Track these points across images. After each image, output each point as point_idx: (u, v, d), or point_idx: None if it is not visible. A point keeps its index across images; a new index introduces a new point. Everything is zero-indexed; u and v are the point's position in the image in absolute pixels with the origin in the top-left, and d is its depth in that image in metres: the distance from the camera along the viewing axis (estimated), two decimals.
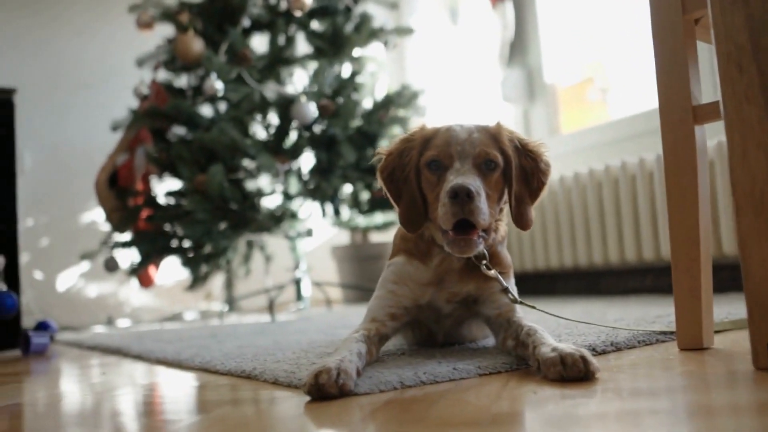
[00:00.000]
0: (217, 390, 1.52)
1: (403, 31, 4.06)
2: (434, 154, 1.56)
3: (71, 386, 1.81)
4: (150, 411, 1.38)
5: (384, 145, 3.63)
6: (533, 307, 1.65)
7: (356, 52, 3.95)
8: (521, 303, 1.59)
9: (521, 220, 1.59)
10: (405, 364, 1.47)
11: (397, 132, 3.83)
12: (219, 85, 3.47)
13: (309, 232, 3.95)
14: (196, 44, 3.54)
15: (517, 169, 1.59)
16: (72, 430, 1.20)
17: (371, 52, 4.06)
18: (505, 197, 1.61)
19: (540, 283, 4.10)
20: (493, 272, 1.58)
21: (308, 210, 3.97)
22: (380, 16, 4.35)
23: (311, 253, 4.92)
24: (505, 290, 1.59)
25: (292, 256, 3.92)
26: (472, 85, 5.08)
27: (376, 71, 4.11)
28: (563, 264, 3.82)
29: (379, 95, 4.04)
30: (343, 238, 5.20)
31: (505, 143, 1.59)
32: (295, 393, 1.34)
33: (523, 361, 1.44)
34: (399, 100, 3.80)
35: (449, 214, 1.47)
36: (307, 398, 1.24)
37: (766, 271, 1.19)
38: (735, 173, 1.24)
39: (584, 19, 4.29)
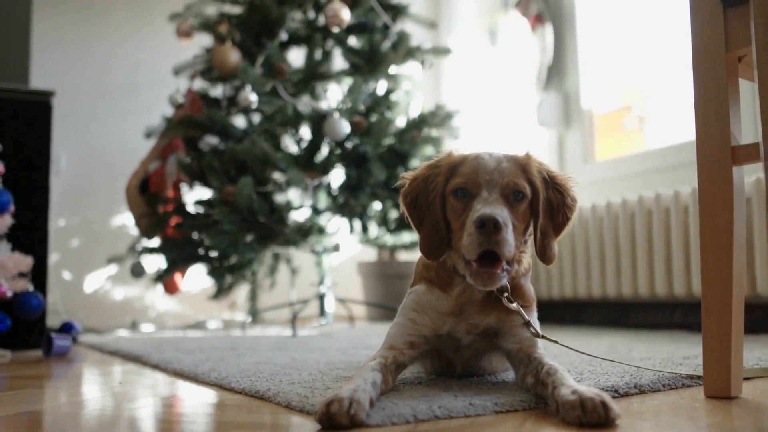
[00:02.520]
0: (227, 410, 1.50)
1: (441, 51, 4.05)
2: (461, 182, 1.53)
3: (86, 395, 1.80)
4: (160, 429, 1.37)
5: (414, 166, 3.61)
6: (555, 342, 1.61)
7: (392, 69, 3.94)
8: (543, 337, 1.55)
9: (544, 254, 1.56)
10: (420, 396, 1.43)
11: (429, 152, 3.81)
12: (253, 97, 3.48)
13: (336, 248, 3.93)
14: (233, 55, 3.56)
15: (543, 202, 1.56)
16: None
17: (407, 70, 4.05)
18: (530, 230, 1.57)
19: (566, 312, 4.03)
20: (514, 305, 1.54)
21: (336, 225, 3.96)
22: (418, 35, 4.34)
23: (337, 269, 4.90)
24: (527, 324, 1.55)
25: (317, 271, 3.91)
26: (508, 108, 5.05)
27: (411, 90, 4.09)
28: (591, 294, 3.75)
29: (414, 114, 4.02)
30: (370, 254, 5.18)
31: (534, 174, 1.56)
32: (306, 419, 1.32)
33: (542, 399, 1.39)
34: (432, 120, 3.78)
35: (475, 244, 1.43)
36: (319, 426, 1.22)
37: None
38: None
39: (624, 46, 4.23)
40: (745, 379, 1.58)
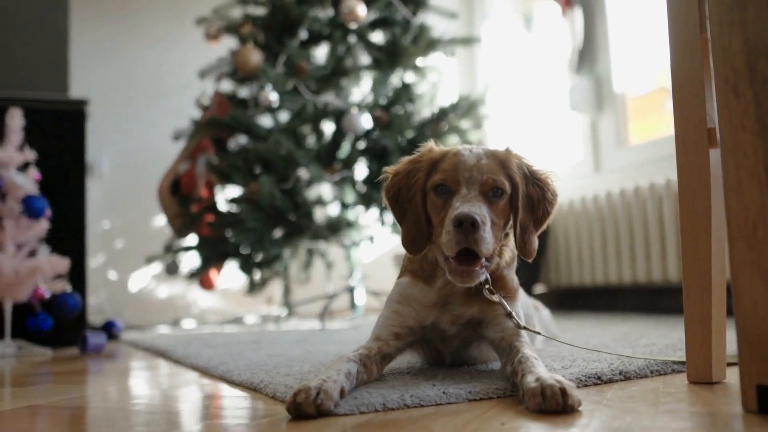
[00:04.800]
0: (215, 402, 1.57)
1: (463, 41, 4.04)
2: (441, 179, 1.55)
3: (89, 390, 1.90)
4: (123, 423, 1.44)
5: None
6: (538, 333, 1.62)
7: (419, 61, 3.96)
8: (524, 328, 1.56)
9: (524, 249, 1.57)
10: (400, 385, 1.46)
11: (453, 142, 3.81)
12: (274, 96, 3.55)
13: (371, 240, 3.98)
14: (255, 56, 3.63)
15: (523, 198, 1.56)
16: None
17: (434, 61, 4.05)
18: (511, 223, 1.58)
19: (600, 299, 3.99)
20: (495, 297, 1.56)
21: (368, 218, 4.00)
22: (445, 26, 4.33)
23: (374, 261, 4.95)
24: (509, 315, 1.57)
25: (347, 265, 3.97)
26: (543, 93, 5.00)
27: (437, 81, 4.10)
28: (622, 280, 3.70)
29: (443, 104, 4.02)
30: None
31: (514, 170, 1.57)
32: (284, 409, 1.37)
33: (518, 387, 1.41)
34: (456, 110, 3.78)
35: (453, 242, 1.46)
36: (289, 416, 1.26)
37: (757, 307, 1.13)
38: (729, 203, 1.18)
39: (657, 27, 4.13)
40: (733, 364, 1.55)
